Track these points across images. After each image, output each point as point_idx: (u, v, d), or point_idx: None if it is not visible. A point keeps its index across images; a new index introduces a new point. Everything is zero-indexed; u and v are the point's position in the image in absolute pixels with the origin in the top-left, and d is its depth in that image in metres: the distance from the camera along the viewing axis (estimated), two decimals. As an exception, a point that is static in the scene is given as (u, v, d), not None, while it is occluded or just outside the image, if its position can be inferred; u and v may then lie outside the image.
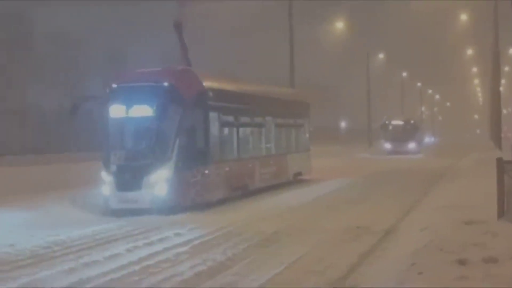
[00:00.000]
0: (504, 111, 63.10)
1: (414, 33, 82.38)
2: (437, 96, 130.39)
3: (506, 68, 69.05)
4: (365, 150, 57.79)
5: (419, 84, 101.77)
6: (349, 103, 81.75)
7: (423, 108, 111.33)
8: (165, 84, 17.09)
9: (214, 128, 18.50)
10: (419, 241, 10.62)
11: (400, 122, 55.79)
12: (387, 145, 53.71)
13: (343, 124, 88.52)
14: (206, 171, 17.71)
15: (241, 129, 20.74)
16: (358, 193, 21.51)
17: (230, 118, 20.00)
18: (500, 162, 11.99)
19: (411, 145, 53.15)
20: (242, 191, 20.13)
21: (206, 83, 18.43)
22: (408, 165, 37.24)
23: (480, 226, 11.09)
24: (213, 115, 18.36)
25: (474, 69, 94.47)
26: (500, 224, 11.15)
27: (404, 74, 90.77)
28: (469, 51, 78.43)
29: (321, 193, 21.65)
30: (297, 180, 25.26)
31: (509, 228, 10.70)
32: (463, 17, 58.46)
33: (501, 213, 11.76)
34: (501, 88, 46.79)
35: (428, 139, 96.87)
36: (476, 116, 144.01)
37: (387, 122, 56.16)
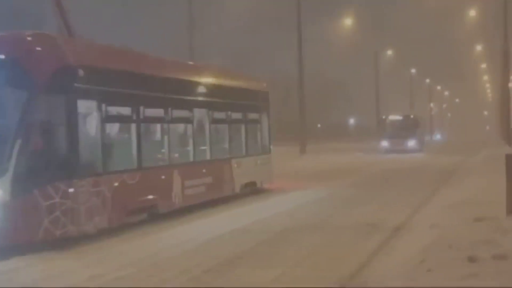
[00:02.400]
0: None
1: (423, 29, 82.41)
2: (446, 93, 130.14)
3: (516, 65, 68.81)
4: (374, 147, 57.04)
5: (427, 80, 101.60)
6: (359, 99, 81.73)
7: (431, 105, 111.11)
8: (1, 56, 11.77)
9: (90, 125, 12.80)
10: (429, 238, 10.62)
11: (399, 117, 51.47)
12: (385, 143, 48.87)
13: (352, 121, 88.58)
14: (71, 189, 11.83)
15: (145, 126, 14.88)
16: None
17: (125, 110, 14.00)
18: (509, 158, 12.01)
19: (411, 143, 48.58)
20: (148, 213, 14.47)
21: (77, 57, 12.50)
22: (409, 165, 32.80)
23: (489, 223, 11.08)
24: (88, 105, 12.61)
25: (483, 66, 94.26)
26: (510, 221, 11.14)
27: (413, 70, 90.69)
28: (478, 48, 78.31)
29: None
30: (248, 193, 19.53)
31: (519, 225, 10.69)
32: (472, 13, 58.48)
33: (510, 210, 11.77)
34: (510, 85, 46.69)
35: (434, 136, 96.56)
36: (485, 113, 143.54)
37: (384, 117, 52.59)
